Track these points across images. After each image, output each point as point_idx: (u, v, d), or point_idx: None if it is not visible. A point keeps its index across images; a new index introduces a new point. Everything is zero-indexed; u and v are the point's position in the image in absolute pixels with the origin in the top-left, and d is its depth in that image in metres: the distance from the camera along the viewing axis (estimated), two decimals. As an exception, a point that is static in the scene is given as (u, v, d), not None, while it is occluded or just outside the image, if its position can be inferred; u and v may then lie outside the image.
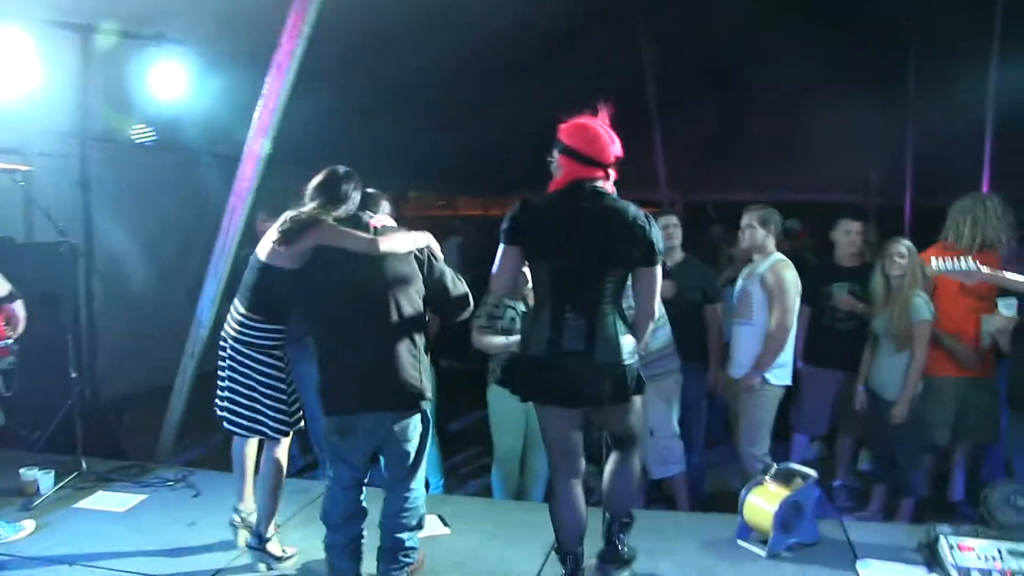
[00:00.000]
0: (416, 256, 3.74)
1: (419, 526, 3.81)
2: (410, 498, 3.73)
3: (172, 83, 5.75)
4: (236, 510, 4.23)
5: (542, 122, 3.60)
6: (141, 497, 4.79)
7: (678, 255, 5.46)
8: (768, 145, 11.69)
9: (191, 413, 5.63)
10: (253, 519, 4.16)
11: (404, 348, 3.63)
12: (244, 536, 4.17)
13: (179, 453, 5.72)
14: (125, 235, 6.93)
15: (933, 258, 3.85)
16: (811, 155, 11.37)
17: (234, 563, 4.02)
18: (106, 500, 4.74)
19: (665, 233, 5.30)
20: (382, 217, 3.90)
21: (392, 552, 3.73)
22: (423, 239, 3.80)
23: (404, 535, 3.73)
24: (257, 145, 5.17)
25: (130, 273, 7.06)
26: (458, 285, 3.86)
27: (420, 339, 3.71)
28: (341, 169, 3.80)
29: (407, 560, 3.76)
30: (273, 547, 4.03)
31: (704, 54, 10.44)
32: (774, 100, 11.39)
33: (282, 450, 4.02)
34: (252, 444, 4.18)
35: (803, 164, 11.51)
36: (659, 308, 4.12)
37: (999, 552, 3.75)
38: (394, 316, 3.61)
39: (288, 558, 4.06)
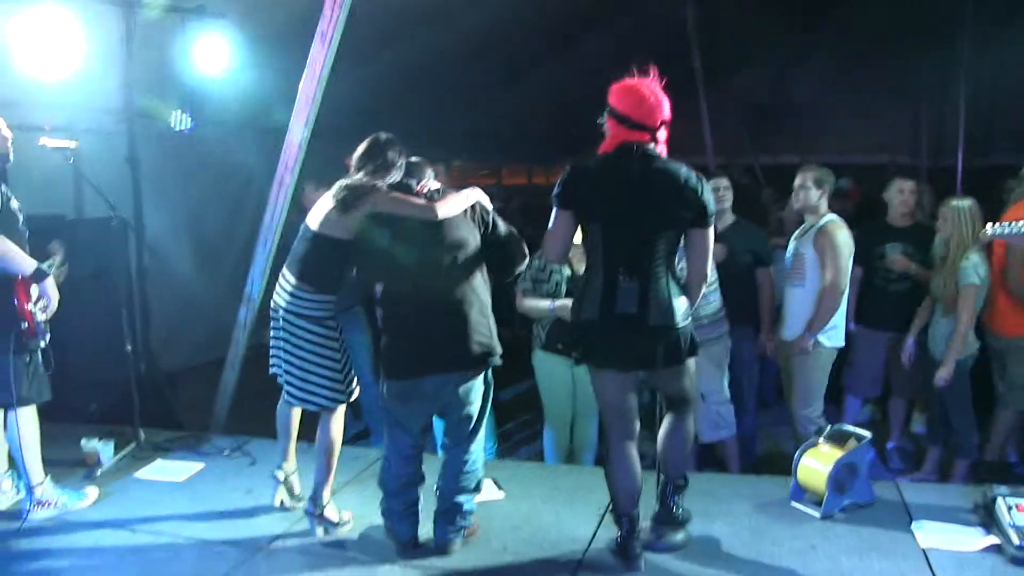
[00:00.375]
0: (472, 216, 3.74)
1: (477, 489, 3.85)
2: (469, 460, 3.78)
3: (214, 57, 5.77)
4: (279, 468, 4.31)
5: (586, 88, 3.56)
6: (198, 466, 4.87)
7: (729, 218, 5.41)
8: (816, 107, 11.55)
9: (243, 384, 5.71)
10: (295, 479, 4.27)
11: (472, 309, 3.66)
12: (283, 494, 4.28)
13: (233, 423, 5.79)
14: (172, 210, 7.01)
15: (989, 224, 3.74)
16: (860, 116, 11.21)
17: (292, 528, 4.07)
18: (164, 469, 4.83)
19: (716, 196, 5.25)
20: (429, 183, 3.90)
21: (450, 515, 3.78)
22: (474, 195, 3.80)
23: (462, 498, 3.78)
24: (303, 116, 5.20)
25: (178, 247, 7.15)
26: (514, 235, 3.85)
27: (487, 298, 3.73)
28: (383, 136, 3.80)
29: (464, 523, 3.81)
30: (330, 512, 4.06)
31: (751, 15, 10.30)
32: (823, 61, 11.24)
33: (337, 418, 4.04)
34: (297, 409, 4.22)
35: (851, 126, 11.35)
36: (712, 271, 4.12)
37: (1058, 512, 3.69)
38: (459, 278, 3.64)
39: (345, 524, 4.10)
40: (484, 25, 7.89)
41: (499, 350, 3.75)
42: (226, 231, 8.01)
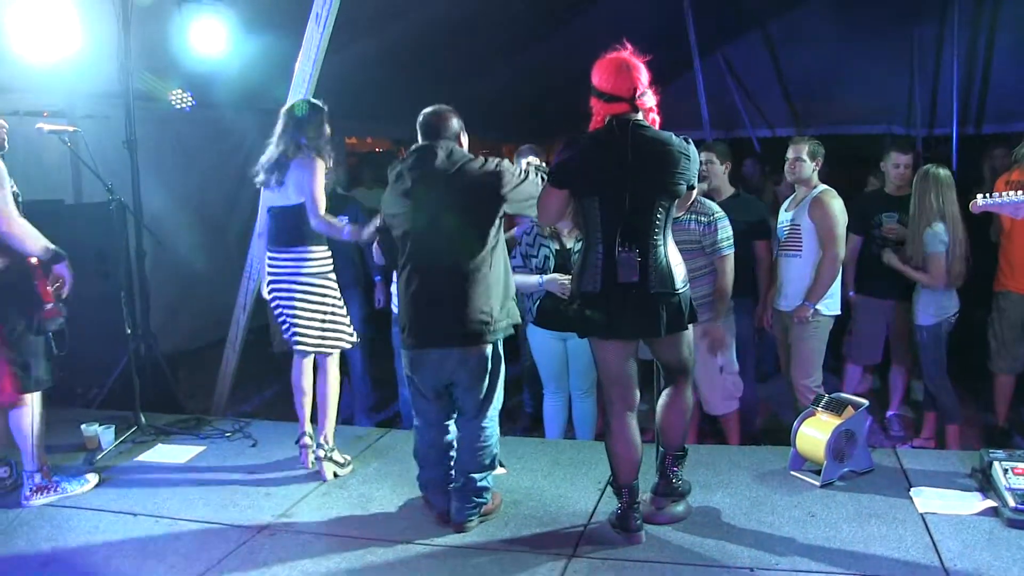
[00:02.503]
0: (487, 191, 3.70)
1: (492, 466, 3.87)
2: (482, 435, 3.80)
3: (211, 39, 5.74)
4: (308, 436, 4.56)
5: (584, 64, 3.57)
6: (200, 448, 4.90)
7: (727, 190, 5.41)
8: (812, 79, 11.50)
9: (244, 366, 5.74)
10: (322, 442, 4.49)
11: (476, 285, 3.67)
12: (333, 467, 4.49)
13: (234, 405, 5.82)
14: (172, 192, 7.01)
15: (979, 195, 3.74)
16: (856, 87, 11.16)
17: (294, 508, 4.10)
18: (166, 452, 4.85)
19: (710, 169, 5.27)
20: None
21: (465, 491, 3.81)
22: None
23: (477, 474, 3.80)
24: (298, 96, 5.19)
25: (179, 230, 7.13)
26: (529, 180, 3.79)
27: (493, 271, 3.72)
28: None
29: (480, 500, 3.84)
30: (337, 455, 4.49)
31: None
32: (817, 32, 11.18)
33: (334, 363, 4.52)
34: (309, 372, 4.56)
35: (846, 96, 11.31)
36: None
37: (1053, 473, 3.72)
38: (465, 253, 3.66)
39: (348, 464, 4.53)
40: (482, 1, 7.84)
41: (498, 327, 3.74)
42: (226, 212, 8.01)
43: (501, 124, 11.00)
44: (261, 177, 4.42)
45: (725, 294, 4.82)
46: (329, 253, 4.48)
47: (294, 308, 4.40)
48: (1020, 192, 3.54)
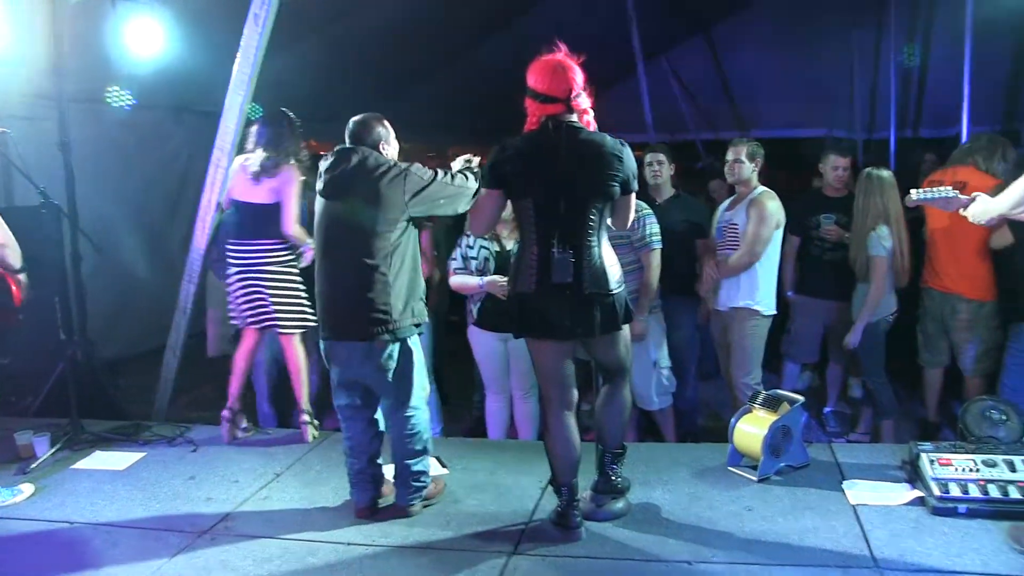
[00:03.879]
0: (398, 191, 3.73)
1: (425, 451, 3.94)
2: (409, 423, 3.86)
3: (147, 39, 5.65)
4: (230, 410, 4.96)
5: (526, 67, 3.60)
6: (139, 455, 4.81)
7: (668, 191, 5.47)
8: (755, 83, 11.70)
9: (186, 370, 5.67)
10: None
11: (373, 281, 3.70)
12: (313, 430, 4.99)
13: (176, 410, 5.73)
14: (111, 196, 6.90)
15: (912, 190, 3.85)
16: (798, 91, 11.38)
17: (236, 511, 4.06)
18: (104, 460, 4.75)
19: (652, 171, 5.36)
20: None
21: (404, 479, 3.91)
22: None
23: (411, 460, 3.88)
24: (237, 98, 5.16)
25: (118, 235, 7.04)
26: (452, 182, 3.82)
27: (393, 271, 3.74)
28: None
29: (419, 484, 3.92)
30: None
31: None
32: (758, 41, 11.38)
33: (298, 341, 4.94)
34: (251, 355, 5.00)
35: (789, 100, 11.52)
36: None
37: (975, 463, 3.85)
38: (361, 249, 3.70)
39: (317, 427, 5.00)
40: (424, 3, 7.84)
41: (407, 324, 3.79)
42: (167, 215, 7.92)
43: (446, 125, 11.03)
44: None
45: (650, 288, 4.91)
46: (293, 249, 4.88)
47: (265, 293, 4.81)
48: (950, 187, 3.67)
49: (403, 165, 3.78)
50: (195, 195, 5.45)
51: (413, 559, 3.57)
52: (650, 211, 4.92)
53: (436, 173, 3.78)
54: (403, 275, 3.77)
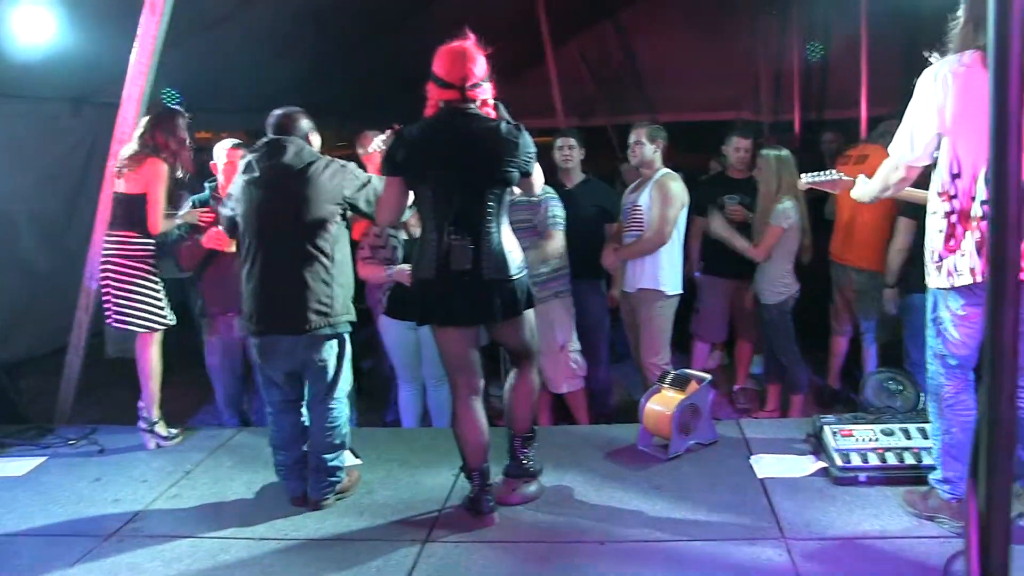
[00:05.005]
0: (329, 181, 3.78)
1: (342, 445, 3.93)
2: (330, 416, 3.86)
3: (36, 27, 5.43)
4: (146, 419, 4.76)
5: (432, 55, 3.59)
6: (41, 459, 4.65)
7: (578, 176, 5.52)
8: (664, 68, 11.81)
9: (90, 370, 5.51)
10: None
11: (314, 273, 3.73)
12: (154, 441, 4.75)
13: (81, 411, 5.57)
14: (5, 192, 6.63)
15: (803, 174, 4.01)
16: (706, 75, 11.53)
17: (145, 512, 3.97)
18: (1, 466, 4.57)
19: (562, 155, 5.39)
20: None
21: (319, 472, 3.88)
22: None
23: (328, 455, 3.86)
24: (136, 89, 5.02)
25: (16, 231, 6.78)
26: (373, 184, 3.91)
27: (333, 265, 3.79)
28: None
29: (334, 479, 3.91)
30: (160, 428, 4.75)
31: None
32: (666, 26, 11.50)
33: (156, 344, 4.75)
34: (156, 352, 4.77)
35: (697, 84, 11.67)
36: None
37: (874, 433, 4.00)
38: (302, 242, 3.72)
39: (175, 437, 4.79)
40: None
41: (339, 316, 3.82)
42: (68, 211, 7.63)
43: (362, 112, 10.94)
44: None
45: (546, 255, 4.94)
46: (152, 243, 4.70)
47: (112, 287, 4.66)
48: (834, 170, 3.82)
49: (340, 161, 3.86)
50: (96, 189, 5.28)
51: (326, 551, 3.55)
52: (554, 194, 4.96)
53: (370, 176, 3.90)
54: (343, 268, 3.84)
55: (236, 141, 4.95)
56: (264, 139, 3.86)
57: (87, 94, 7.02)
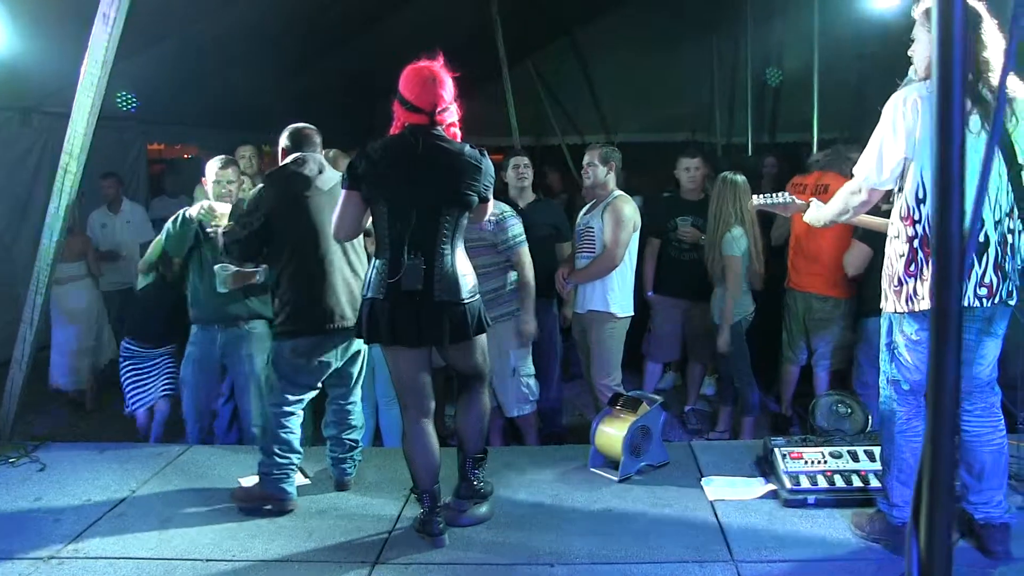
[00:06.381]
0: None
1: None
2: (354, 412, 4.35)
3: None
4: None
5: (393, 71, 3.59)
6: (-24, 479, 4.53)
7: (529, 195, 5.53)
8: (620, 90, 11.92)
9: (35, 385, 5.39)
10: None
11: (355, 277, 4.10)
12: None
13: (23, 428, 5.44)
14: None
15: (754, 195, 4.05)
16: (662, 95, 11.66)
17: (87, 533, 3.87)
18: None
19: (517, 174, 5.41)
20: None
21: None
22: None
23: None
24: (86, 100, 4.94)
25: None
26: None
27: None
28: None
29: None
30: None
31: (549, 2, 10.52)
32: (622, 46, 11.61)
33: None
34: None
35: (653, 105, 11.79)
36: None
37: (823, 456, 4.05)
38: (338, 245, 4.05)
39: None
40: (288, 5, 7.69)
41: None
42: (15, 223, 7.51)
43: (317, 125, 10.90)
44: None
45: (528, 284, 4.95)
46: None
47: None
48: (786, 193, 3.86)
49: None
50: (44, 200, 5.19)
51: (274, 573, 3.50)
52: (512, 212, 4.98)
53: None
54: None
55: (228, 158, 4.97)
56: (302, 154, 4.07)
57: (37, 103, 6.91)
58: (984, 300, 3.16)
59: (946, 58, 1.53)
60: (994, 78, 3.12)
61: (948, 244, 1.59)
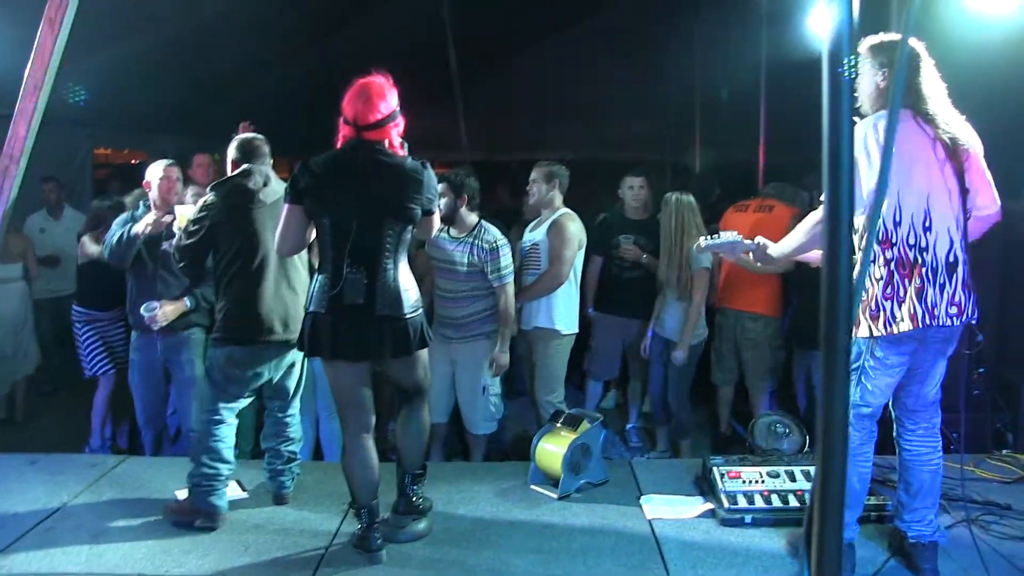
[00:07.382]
0: None
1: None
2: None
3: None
4: None
5: (344, 82, 3.59)
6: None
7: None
8: (570, 107, 11.98)
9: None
10: None
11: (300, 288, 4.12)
12: None
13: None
14: None
15: (702, 237, 4.06)
16: (613, 116, 11.75)
17: (13, 547, 3.77)
18: None
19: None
20: None
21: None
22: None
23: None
24: (30, 103, 4.85)
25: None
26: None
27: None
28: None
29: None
30: None
31: (502, 19, 10.55)
32: (573, 63, 11.67)
33: None
34: None
35: (605, 125, 11.87)
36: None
37: (761, 475, 4.11)
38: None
39: None
40: (243, 10, 7.62)
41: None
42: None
43: (269, 135, 10.82)
44: None
45: (508, 318, 4.91)
46: None
47: None
48: (734, 232, 3.86)
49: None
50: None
51: (207, 589, 3.45)
52: (506, 243, 4.89)
53: None
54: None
55: (171, 161, 4.94)
56: (250, 166, 4.06)
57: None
58: (954, 319, 3.24)
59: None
60: (931, 106, 3.23)
61: (836, 277, 1.62)
